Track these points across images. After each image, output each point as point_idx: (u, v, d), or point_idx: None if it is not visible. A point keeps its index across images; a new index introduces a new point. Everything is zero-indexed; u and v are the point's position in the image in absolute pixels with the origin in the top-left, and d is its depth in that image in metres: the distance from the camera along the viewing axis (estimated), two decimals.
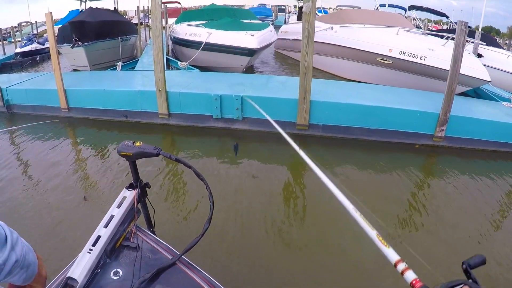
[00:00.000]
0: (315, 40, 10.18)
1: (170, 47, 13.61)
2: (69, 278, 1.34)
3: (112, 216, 1.59)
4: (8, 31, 21.98)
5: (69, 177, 4.66)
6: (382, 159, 5.28)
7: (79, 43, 9.04)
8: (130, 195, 1.70)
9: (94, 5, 12.46)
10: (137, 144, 1.66)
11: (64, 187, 4.38)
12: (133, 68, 9.52)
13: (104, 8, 12.45)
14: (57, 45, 10.64)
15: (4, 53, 16.53)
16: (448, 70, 6.86)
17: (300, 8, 25.44)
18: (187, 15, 12.98)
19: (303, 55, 5.53)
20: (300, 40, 11.26)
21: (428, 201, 4.25)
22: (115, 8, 13.46)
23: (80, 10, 13.16)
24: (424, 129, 5.64)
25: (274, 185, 4.54)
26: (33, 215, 3.79)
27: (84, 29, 9.23)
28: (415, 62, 7.62)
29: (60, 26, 11.88)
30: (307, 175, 4.73)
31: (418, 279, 0.82)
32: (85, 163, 5.18)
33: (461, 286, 0.70)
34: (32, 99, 7.25)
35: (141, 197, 1.79)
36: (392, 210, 3.99)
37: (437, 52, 7.38)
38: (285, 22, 26.50)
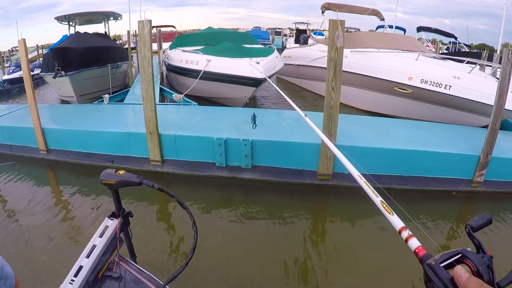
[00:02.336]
0: (321, 65, 9.14)
1: (164, 74, 12.67)
2: None
3: (94, 246, 1.57)
4: (2, 56, 21.20)
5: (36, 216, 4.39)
6: (420, 212, 4.36)
7: (62, 72, 8.01)
8: (112, 224, 1.67)
9: (83, 29, 11.46)
10: (120, 172, 1.62)
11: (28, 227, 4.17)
12: (123, 100, 8.53)
13: (94, 33, 11.46)
14: (41, 73, 9.77)
15: None
16: (477, 102, 6.18)
17: (298, 30, 24.96)
18: (182, 39, 12.04)
19: (328, 91, 4.52)
20: (306, 65, 10.45)
21: None
22: (105, 32, 12.51)
23: (68, 35, 12.18)
24: (461, 174, 4.71)
25: (289, 247, 3.70)
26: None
27: (67, 56, 8.21)
28: (439, 92, 6.77)
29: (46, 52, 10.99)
30: (327, 234, 4.03)
31: (421, 247, 0.80)
32: (55, 208, 4.65)
33: (458, 256, 0.67)
34: (9, 138, 6.31)
35: (124, 226, 1.76)
36: None
37: (463, 81, 6.54)
38: (283, 45, 25.83)
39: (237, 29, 42.03)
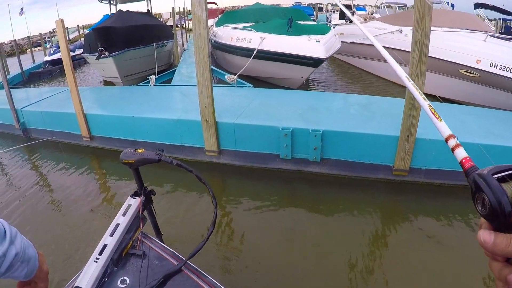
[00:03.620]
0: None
1: (209, 51, 12.06)
2: (77, 287, 1.35)
3: (117, 225, 1.60)
4: (43, 37, 21.28)
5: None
6: None
7: (106, 53, 7.53)
8: (135, 202, 1.70)
9: (124, 8, 10.94)
10: (139, 151, 1.63)
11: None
12: (170, 81, 7.99)
13: (136, 11, 10.92)
14: (84, 54, 9.38)
15: (33, 61, 15.75)
16: None
17: (345, 6, 23.68)
18: (229, 16, 11.33)
19: (412, 77, 3.80)
20: (362, 44, 9.61)
21: None
22: (148, 10, 11.94)
23: (109, 15, 11.71)
24: None
25: (355, 248, 3.24)
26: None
27: (110, 36, 7.73)
28: (510, 78, 5.99)
29: (87, 32, 10.63)
30: (398, 236, 3.47)
31: (468, 158, 0.71)
32: (96, 194, 4.49)
33: (511, 171, 0.56)
34: (50, 123, 5.96)
35: (146, 204, 1.77)
36: None
37: None
38: (327, 21, 24.61)
39: (278, 5, 40.75)
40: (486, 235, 0.55)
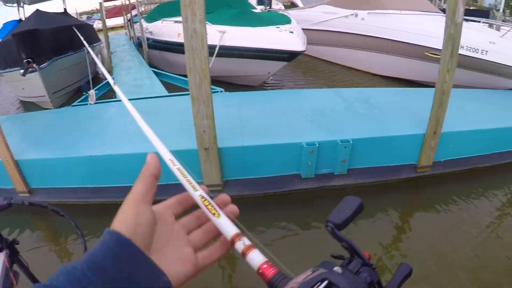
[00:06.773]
0: (329, 29, 9.23)
1: (145, 51, 10.44)
2: None
3: None
4: None
5: None
6: None
7: (35, 65, 5.85)
8: None
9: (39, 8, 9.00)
10: None
11: None
12: (108, 94, 6.60)
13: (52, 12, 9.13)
14: None
15: None
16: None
17: None
18: (165, 8, 10.00)
19: (442, 74, 3.68)
20: (310, 29, 9.43)
21: None
22: (65, 9, 10.09)
23: (18, 20, 9.62)
24: None
25: None
26: None
27: (38, 42, 5.99)
28: (475, 58, 6.30)
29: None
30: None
31: (268, 263, 0.47)
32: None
33: (323, 283, 0.41)
34: None
35: (14, 257, 1.58)
36: None
37: (498, 46, 6.17)
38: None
39: None
40: None
